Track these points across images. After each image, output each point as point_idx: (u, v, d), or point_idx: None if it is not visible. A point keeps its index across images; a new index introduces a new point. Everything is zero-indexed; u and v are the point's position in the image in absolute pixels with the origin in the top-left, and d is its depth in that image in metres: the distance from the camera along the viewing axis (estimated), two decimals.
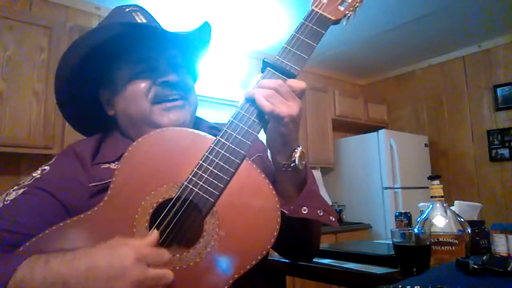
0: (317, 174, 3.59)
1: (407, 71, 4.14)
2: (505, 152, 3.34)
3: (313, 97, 3.47)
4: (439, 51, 3.73)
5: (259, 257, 0.58)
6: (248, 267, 0.58)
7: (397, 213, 1.49)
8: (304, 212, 0.69)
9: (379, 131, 3.45)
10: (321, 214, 0.71)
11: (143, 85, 0.75)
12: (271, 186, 0.62)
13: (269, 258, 0.91)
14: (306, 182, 0.73)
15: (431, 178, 1.04)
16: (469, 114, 3.62)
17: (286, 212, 0.66)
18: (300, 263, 1.03)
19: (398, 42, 3.47)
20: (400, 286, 0.58)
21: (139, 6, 0.84)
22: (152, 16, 0.84)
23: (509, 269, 0.62)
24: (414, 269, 0.88)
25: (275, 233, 0.59)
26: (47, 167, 0.72)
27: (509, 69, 3.38)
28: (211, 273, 0.58)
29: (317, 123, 3.44)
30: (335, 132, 3.72)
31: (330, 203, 3.53)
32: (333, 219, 0.73)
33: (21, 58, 2.05)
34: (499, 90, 3.41)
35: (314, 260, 1.10)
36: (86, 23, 2.57)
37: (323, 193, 3.53)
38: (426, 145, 3.73)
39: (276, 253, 0.93)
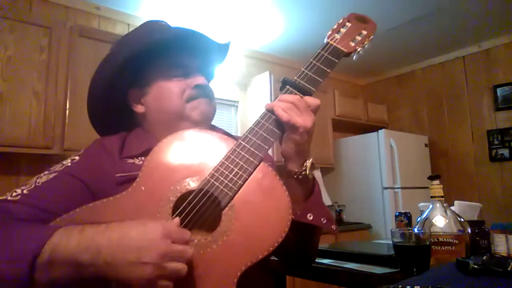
0: (317, 174, 3.59)
1: (407, 71, 4.14)
2: (505, 152, 3.34)
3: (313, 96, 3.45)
4: (439, 51, 3.73)
5: (271, 248, 0.63)
6: (260, 257, 0.62)
7: (397, 213, 1.49)
8: (310, 218, 0.76)
9: (379, 131, 3.45)
10: (324, 221, 0.77)
11: (178, 87, 0.84)
12: (284, 187, 0.68)
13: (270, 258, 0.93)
14: (313, 191, 0.80)
15: (431, 178, 1.04)
16: (469, 114, 3.62)
17: (293, 216, 0.70)
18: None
19: (398, 42, 3.47)
20: (400, 286, 0.58)
21: (166, 22, 0.92)
22: None
23: (509, 269, 0.62)
24: (414, 269, 0.88)
25: (286, 229, 0.64)
26: (76, 157, 0.79)
27: (509, 69, 3.38)
28: (225, 260, 0.63)
29: (317, 123, 3.41)
30: (335, 132, 3.72)
31: (330, 203, 3.54)
32: (334, 227, 0.79)
33: (21, 58, 2.05)
34: (499, 90, 3.41)
35: None
36: (86, 23, 2.57)
37: (323, 193, 3.53)
38: (426, 145, 3.73)
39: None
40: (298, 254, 0.90)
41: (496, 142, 3.40)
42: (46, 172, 0.75)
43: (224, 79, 3.29)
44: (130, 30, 0.95)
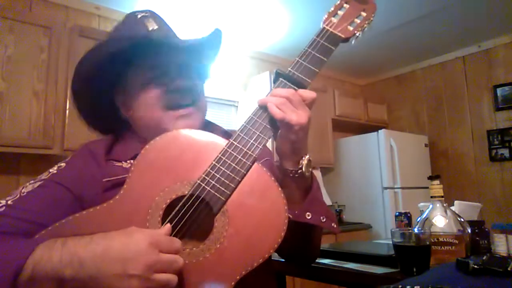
0: (317, 174, 3.58)
1: (407, 71, 4.14)
2: (505, 152, 3.34)
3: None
4: (439, 51, 3.73)
5: (266, 255, 0.60)
6: (255, 264, 0.60)
7: (397, 213, 1.49)
8: (308, 217, 0.72)
9: (379, 131, 3.45)
10: (324, 220, 0.74)
11: (156, 92, 0.78)
12: (280, 189, 0.65)
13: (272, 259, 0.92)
14: (311, 189, 0.76)
15: (431, 178, 1.04)
16: (469, 114, 3.62)
17: (291, 216, 0.68)
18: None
19: (398, 42, 3.46)
20: (400, 286, 0.58)
21: (150, 11, 0.86)
22: (163, 20, 0.86)
23: (509, 269, 0.62)
24: (414, 269, 0.88)
25: (282, 234, 0.61)
26: (63, 164, 0.76)
27: (509, 69, 3.38)
28: (219, 269, 0.60)
29: (317, 123, 3.44)
30: (335, 132, 3.71)
31: (330, 203, 3.53)
32: (335, 226, 0.76)
33: (21, 58, 2.05)
34: (499, 90, 3.41)
35: None
36: (86, 23, 2.57)
37: (323, 193, 3.53)
38: (426, 145, 3.73)
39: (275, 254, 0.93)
40: (299, 254, 0.89)
41: (496, 142, 3.40)
42: (31, 181, 0.72)
43: (224, 79, 3.29)
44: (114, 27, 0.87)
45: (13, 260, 0.54)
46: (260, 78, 3.34)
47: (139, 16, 0.84)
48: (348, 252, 1.18)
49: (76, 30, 2.24)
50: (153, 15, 0.86)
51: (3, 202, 0.66)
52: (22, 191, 0.69)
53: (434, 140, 3.84)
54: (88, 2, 2.60)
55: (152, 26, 0.82)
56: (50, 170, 0.74)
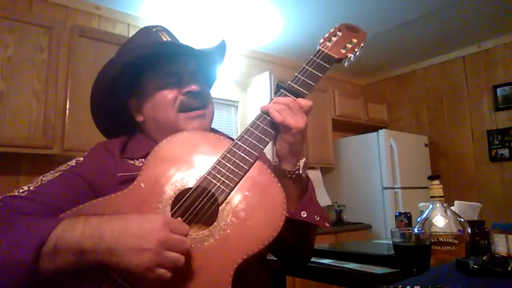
0: (317, 174, 3.59)
1: (407, 71, 4.14)
2: (505, 152, 3.34)
3: (313, 97, 3.45)
4: (439, 51, 3.73)
5: (266, 242, 0.66)
6: (256, 250, 0.65)
7: (397, 213, 1.49)
8: (303, 216, 0.78)
9: (379, 131, 3.45)
10: (318, 219, 0.80)
11: (170, 95, 0.86)
12: (279, 184, 0.71)
13: (268, 258, 0.93)
14: (307, 190, 0.82)
15: (431, 178, 1.04)
16: (469, 114, 3.62)
17: (287, 214, 0.72)
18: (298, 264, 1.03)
19: (398, 42, 3.47)
20: (400, 286, 0.59)
21: (162, 26, 0.97)
22: (173, 34, 0.97)
23: (509, 269, 0.62)
24: (414, 269, 0.88)
25: (281, 224, 0.67)
26: (81, 158, 0.83)
27: (509, 69, 3.38)
28: (222, 253, 0.65)
29: (317, 123, 3.44)
30: (335, 132, 3.72)
31: (330, 203, 3.53)
32: (327, 224, 0.82)
33: (21, 58, 2.05)
34: (499, 90, 3.41)
35: (314, 260, 1.10)
36: (86, 23, 2.57)
37: (323, 193, 3.53)
38: (426, 145, 3.73)
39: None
40: (294, 252, 0.92)
41: (496, 142, 3.40)
42: (51, 172, 0.78)
43: (224, 79, 3.29)
44: (130, 32, 0.97)
45: (37, 232, 0.59)
46: (260, 78, 3.34)
47: (153, 29, 0.94)
48: (348, 252, 1.18)
49: (76, 30, 2.24)
50: (165, 29, 0.96)
51: (25, 188, 0.72)
52: (43, 179, 0.75)
53: (434, 140, 3.84)
54: (88, 2, 2.60)
55: (165, 38, 0.93)
56: (69, 163, 0.81)
